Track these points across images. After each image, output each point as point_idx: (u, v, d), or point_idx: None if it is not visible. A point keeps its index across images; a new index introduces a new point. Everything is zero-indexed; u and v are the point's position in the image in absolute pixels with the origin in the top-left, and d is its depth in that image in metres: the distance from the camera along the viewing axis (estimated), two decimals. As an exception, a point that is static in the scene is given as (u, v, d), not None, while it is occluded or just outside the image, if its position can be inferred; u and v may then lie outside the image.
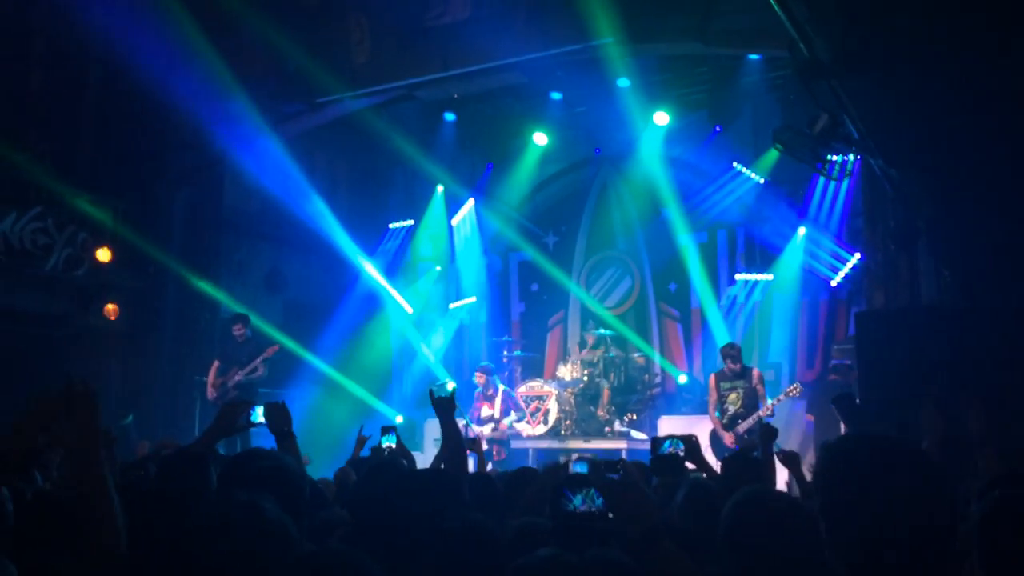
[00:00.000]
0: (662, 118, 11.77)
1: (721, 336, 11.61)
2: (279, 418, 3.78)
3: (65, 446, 2.44)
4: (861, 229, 10.52)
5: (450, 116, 12.83)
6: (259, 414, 3.83)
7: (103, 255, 10.47)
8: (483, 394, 10.69)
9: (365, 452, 6.14)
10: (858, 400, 7.70)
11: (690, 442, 4.05)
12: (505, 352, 12.47)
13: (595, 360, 11.50)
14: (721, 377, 9.40)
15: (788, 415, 10.76)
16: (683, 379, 12.18)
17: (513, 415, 10.56)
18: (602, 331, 11.78)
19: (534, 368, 12.77)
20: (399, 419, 12.31)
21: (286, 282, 12.86)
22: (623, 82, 10.91)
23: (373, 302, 13.35)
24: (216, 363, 10.38)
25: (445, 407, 4.29)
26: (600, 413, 11.18)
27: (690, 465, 4.18)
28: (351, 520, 3.42)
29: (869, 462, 1.72)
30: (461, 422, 10.09)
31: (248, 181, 11.98)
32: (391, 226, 13.76)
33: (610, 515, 2.46)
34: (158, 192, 11.32)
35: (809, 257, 11.31)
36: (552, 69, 10.86)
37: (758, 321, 11.85)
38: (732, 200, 11.91)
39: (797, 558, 2.19)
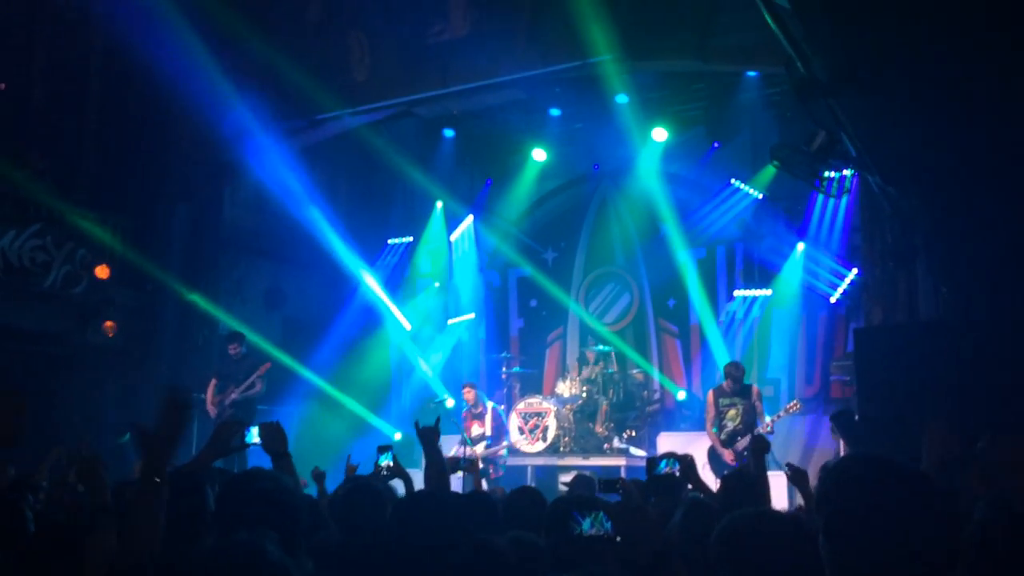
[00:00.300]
0: (660, 134, 11.80)
1: (720, 352, 11.60)
2: (274, 438, 3.77)
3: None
4: (859, 245, 10.54)
5: (449, 132, 12.87)
6: (254, 435, 3.81)
7: (102, 272, 10.47)
8: (471, 412, 10.65)
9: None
10: (857, 416, 7.69)
11: (686, 461, 4.04)
12: (504, 368, 12.45)
13: (594, 376, 11.48)
14: (720, 393, 9.38)
15: (787, 431, 10.74)
16: (682, 395, 12.16)
17: (504, 442, 10.54)
18: (601, 347, 11.77)
19: (533, 384, 12.74)
20: (397, 436, 12.27)
21: (285, 299, 12.86)
22: (621, 98, 10.95)
23: (372, 318, 13.34)
24: (214, 381, 10.36)
25: (429, 437, 4.30)
26: (599, 430, 11.14)
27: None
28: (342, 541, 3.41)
29: (870, 483, 1.73)
30: (457, 448, 10.08)
31: (247, 198, 12.01)
32: (390, 242, 13.77)
33: (618, 539, 2.45)
34: (157, 209, 11.34)
35: (808, 273, 11.32)
36: (551, 86, 10.91)
37: (757, 337, 11.84)
38: (730, 216, 11.94)
39: None
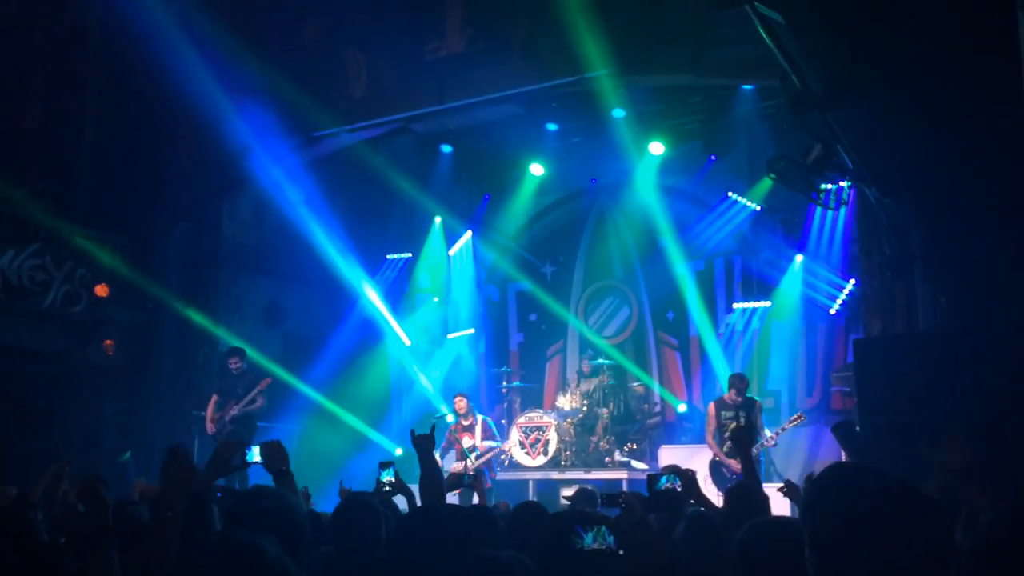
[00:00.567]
0: (657, 148, 11.84)
1: (720, 365, 11.60)
2: (275, 456, 3.77)
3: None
4: (857, 256, 10.56)
5: (447, 148, 12.91)
6: (255, 453, 3.82)
7: (101, 291, 10.49)
8: (460, 425, 10.61)
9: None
10: (858, 427, 7.69)
11: (687, 476, 4.03)
12: (504, 383, 12.45)
13: (593, 390, 11.48)
14: (721, 406, 9.38)
15: (789, 443, 10.74)
16: (682, 408, 12.15)
17: (490, 442, 10.51)
18: (600, 360, 11.77)
19: (533, 399, 12.74)
20: (398, 451, 12.26)
21: (284, 315, 12.88)
22: (618, 113, 10.99)
23: (372, 334, 13.35)
24: (215, 397, 10.36)
25: (423, 445, 4.30)
26: (600, 443, 11.13)
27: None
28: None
29: (855, 493, 1.70)
30: (461, 464, 10.05)
31: (246, 215, 12.03)
32: (388, 257, 13.79)
33: (620, 552, 2.45)
34: (156, 227, 11.37)
35: (806, 285, 11.34)
36: (547, 101, 10.96)
37: (757, 349, 11.84)
38: (728, 229, 11.96)
39: None
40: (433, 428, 4.55)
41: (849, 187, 8.17)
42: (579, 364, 12.20)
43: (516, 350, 13.77)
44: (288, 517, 2.72)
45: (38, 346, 10.36)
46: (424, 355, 13.68)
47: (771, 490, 5.03)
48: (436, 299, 14.02)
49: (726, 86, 10.28)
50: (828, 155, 6.98)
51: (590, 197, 13.44)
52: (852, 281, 10.74)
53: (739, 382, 9.38)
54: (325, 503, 7.22)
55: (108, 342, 10.62)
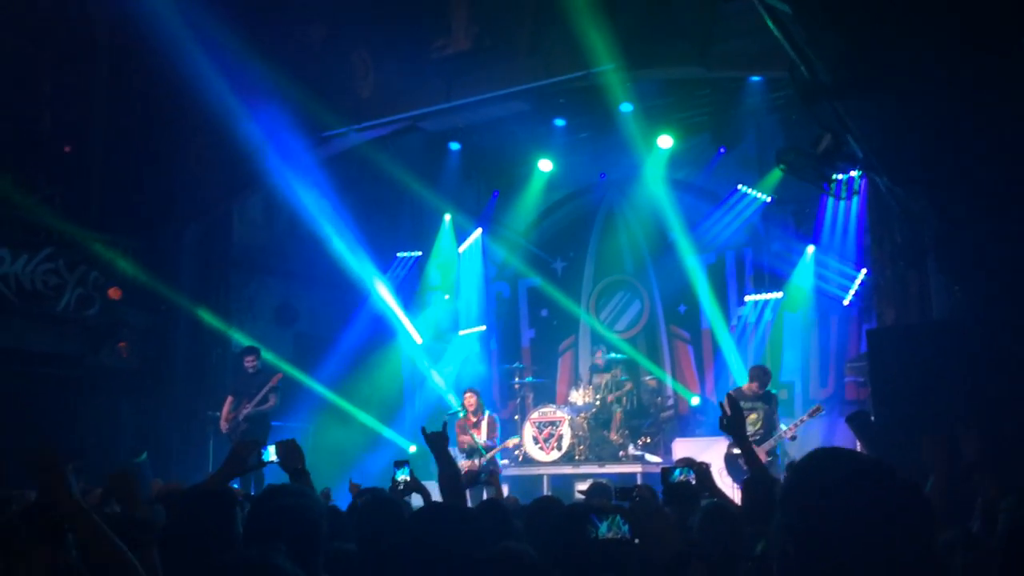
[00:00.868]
0: (666, 141, 11.82)
1: (733, 357, 11.59)
2: (291, 455, 3.80)
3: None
4: (869, 246, 10.52)
5: (455, 146, 12.92)
6: (271, 453, 3.84)
7: (114, 294, 10.55)
8: (468, 421, 10.60)
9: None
10: (872, 417, 7.67)
11: (701, 469, 4.02)
12: (516, 379, 12.46)
13: (606, 384, 11.48)
14: (740, 396, 9.34)
15: (803, 434, 10.69)
16: (695, 401, 12.14)
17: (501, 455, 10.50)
18: (613, 355, 11.77)
19: (546, 394, 12.75)
20: (412, 448, 12.29)
21: (296, 315, 12.92)
22: (626, 107, 10.97)
23: (383, 332, 13.38)
24: (230, 398, 10.40)
25: (437, 442, 4.29)
26: (613, 437, 11.14)
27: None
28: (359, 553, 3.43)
29: (837, 481, 1.65)
30: (467, 462, 10.05)
31: (256, 216, 12.07)
32: (399, 255, 13.82)
33: (636, 541, 2.45)
34: (167, 230, 11.43)
35: (818, 276, 11.30)
36: (555, 96, 10.95)
37: (770, 341, 11.82)
38: (739, 222, 11.94)
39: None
40: (445, 425, 4.54)
41: (860, 176, 8.13)
42: (592, 358, 12.21)
43: (528, 346, 13.78)
44: (306, 515, 2.74)
45: (53, 350, 10.43)
46: (436, 352, 13.71)
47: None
48: (447, 296, 14.05)
49: (734, 78, 10.26)
50: (838, 145, 6.96)
51: (599, 192, 13.43)
52: (864, 271, 10.70)
53: (763, 375, 9.34)
54: (338, 500, 7.25)
55: (122, 344, 10.68)
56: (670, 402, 12.34)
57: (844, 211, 10.81)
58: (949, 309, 7.87)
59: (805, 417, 9.18)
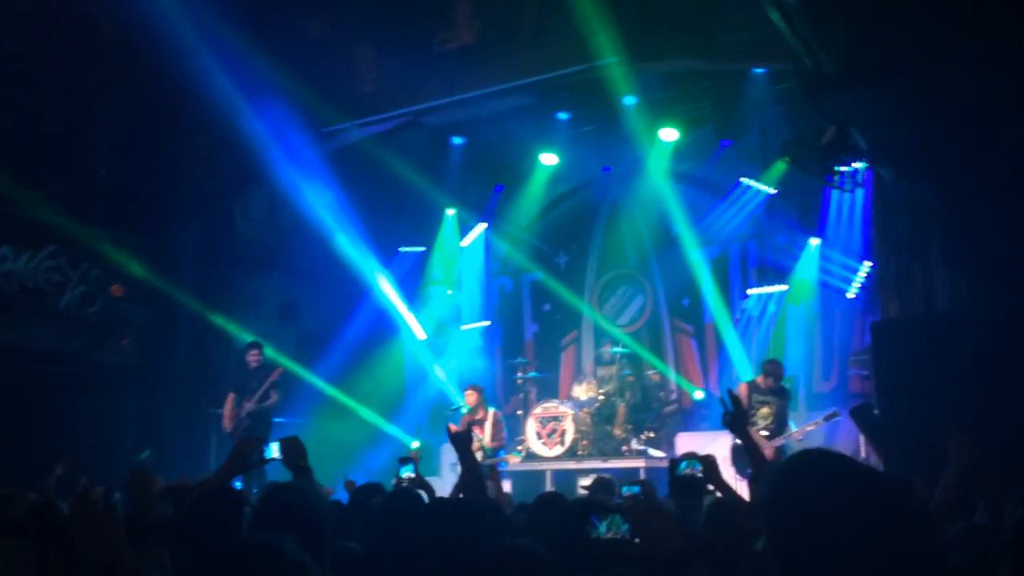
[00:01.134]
0: (669, 134, 11.77)
1: (737, 351, 11.57)
2: (294, 452, 3.78)
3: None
4: (873, 238, 10.48)
5: (458, 140, 12.88)
6: (274, 450, 3.82)
7: (117, 291, 10.54)
8: (471, 418, 10.48)
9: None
10: (876, 410, 7.63)
11: (707, 462, 4.00)
12: (519, 373, 12.43)
13: (609, 378, 11.46)
14: (753, 389, 9.28)
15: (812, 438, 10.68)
16: (699, 395, 12.11)
17: (505, 455, 10.44)
18: (616, 349, 11.75)
19: (549, 389, 12.73)
20: (415, 444, 12.28)
21: (299, 311, 12.91)
22: (629, 100, 10.92)
23: (385, 327, 13.37)
24: (232, 395, 10.40)
25: (462, 441, 4.26)
26: (617, 432, 11.12)
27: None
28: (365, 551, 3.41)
29: (818, 483, 1.62)
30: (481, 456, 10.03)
31: (259, 212, 12.05)
32: (401, 250, 13.79)
33: (636, 540, 2.44)
34: (170, 226, 11.41)
35: (822, 269, 11.27)
36: (558, 90, 10.91)
37: (773, 334, 11.79)
38: (743, 214, 11.90)
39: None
40: (469, 426, 4.53)
41: (864, 169, 8.09)
42: (598, 350, 12.19)
43: (531, 340, 13.77)
44: (310, 512, 2.73)
45: (55, 347, 10.42)
46: (438, 347, 13.70)
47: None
48: (450, 291, 14.03)
49: (738, 70, 10.20)
50: (842, 137, 6.93)
51: (603, 185, 13.40)
52: (869, 264, 10.66)
53: (776, 369, 9.28)
54: (339, 496, 7.24)
55: (125, 341, 10.68)
56: (673, 396, 12.32)
57: (848, 203, 10.76)
58: (954, 301, 7.84)
59: (820, 420, 9.11)
